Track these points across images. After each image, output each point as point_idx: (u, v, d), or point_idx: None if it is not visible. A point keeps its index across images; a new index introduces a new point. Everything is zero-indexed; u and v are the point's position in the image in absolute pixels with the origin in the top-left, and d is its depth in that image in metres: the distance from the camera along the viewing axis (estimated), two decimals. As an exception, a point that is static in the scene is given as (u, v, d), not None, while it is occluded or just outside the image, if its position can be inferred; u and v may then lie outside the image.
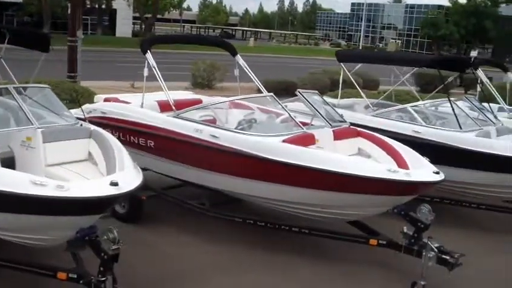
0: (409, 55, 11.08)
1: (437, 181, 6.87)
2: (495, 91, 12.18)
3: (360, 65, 11.20)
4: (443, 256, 6.74)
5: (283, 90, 18.35)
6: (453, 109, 9.29)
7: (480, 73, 12.25)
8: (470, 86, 26.35)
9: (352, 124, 9.08)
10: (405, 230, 7.11)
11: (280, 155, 7.04)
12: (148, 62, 8.73)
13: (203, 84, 23.46)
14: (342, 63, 10.87)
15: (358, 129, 8.57)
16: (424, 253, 6.79)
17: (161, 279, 6.92)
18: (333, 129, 8.18)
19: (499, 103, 12.48)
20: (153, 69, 8.68)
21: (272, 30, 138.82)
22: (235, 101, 8.99)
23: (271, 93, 8.72)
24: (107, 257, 5.47)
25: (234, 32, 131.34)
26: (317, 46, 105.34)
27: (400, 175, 6.72)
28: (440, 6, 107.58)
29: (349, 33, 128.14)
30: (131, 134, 8.51)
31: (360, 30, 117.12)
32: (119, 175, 5.69)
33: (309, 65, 37.64)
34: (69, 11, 19.07)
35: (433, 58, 9.92)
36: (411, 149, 7.83)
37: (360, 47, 74.77)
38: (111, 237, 5.44)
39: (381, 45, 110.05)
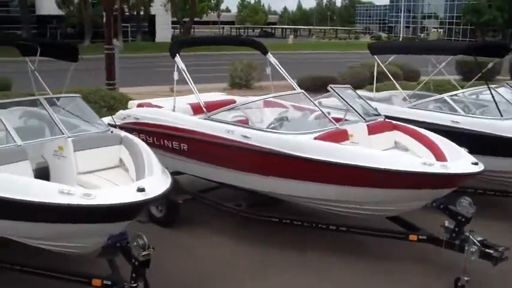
0: (444, 43, 10.75)
1: (476, 172, 6.63)
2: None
3: (393, 56, 10.95)
4: (487, 250, 6.50)
5: (322, 85, 18.14)
6: (493, 96, 8.98)
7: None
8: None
9: (388, 117, 8.89)
10: (446, 224, 6.88)
11: (312, 153, 6.91)
12: (177, 66, 8.69)
13: (241, 84, 23.44)
14: (375, 56, 10.65)
15: (394, 122, 8.36)
16: (466, 247, 6.56)
17: (194, 282, 6.89)
18: (367, 123, 8.00)
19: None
20: (183, 72, 8.62)
21: (311, 27, 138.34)
22: (269, 99, 8.89)
23: (302, 90, 8.57)
24: (138, 263, 5.46)
25: (273, 31, 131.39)
26: (357, 40, 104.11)
27: (436, 168, 6.50)
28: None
29: (390, 25, 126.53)
30: (165, 138, 8.49)
31: (400, 21, 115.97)
32: (146, 181, 5.66)
33: (349, 59, 37.15)
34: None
35: (469, 45, 9.62)
36: (449, 140, 7.60)
37: (401, 39, 73.55)
38: (141, 243, 5.41)
39: (422, 35, 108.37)
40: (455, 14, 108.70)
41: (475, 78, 10.88)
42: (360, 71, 21.86)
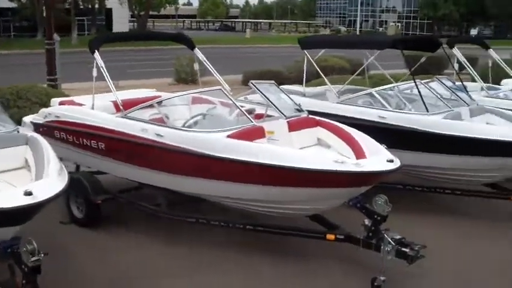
0: (371, 37, 10.58)
1: (390, 170, 6.48)
2: (473, 70, 11.75)
3: (322, 51, 10.76)
4: (403, 249, 6.38)
5: (269, 80, 18.03)
6: (419, 91, 8.91)
7: (456, 52, 11.79)
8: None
9: (317, 113, 8.76)
10: (366, 223, 6.77)
11: (223, 151, 6.72)
12: (96, 62, 8.40)
13: (187, 79, 22.92)
14: (305, 50, 10.45)
15: (318, 118, 8.19)
16: (382, 246, 6.46)
17: (109, 284, 6.70)
18: (288, 120, 7.81)
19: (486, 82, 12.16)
20: (101, 69, 8.37)
21: (272, 20, 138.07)
22: (195, 95, 8.69)
23: (220, 87, 8.32)
24: (27, 269, 5.19)
25: (233, 24, 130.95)
26: (317, 33, 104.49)
27: (348, 166, 6.34)
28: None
29: (349, 19, 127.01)
30: (83, 137, 8.23)
31: (358, 15, 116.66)
32: (38, 183, 5.38)
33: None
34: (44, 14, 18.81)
35: (395, 39, 9.51)
36: (369, 137, 7.46)
37: (358, 32, 74.04)
38: (30, 248, 5.13)
39: (380, 29, 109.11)
40: (412, 8, 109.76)
41: (412, 71, 10.78)
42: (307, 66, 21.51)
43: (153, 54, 37.15)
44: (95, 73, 8.42)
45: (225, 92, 8.11)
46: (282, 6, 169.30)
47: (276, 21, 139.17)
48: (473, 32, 72.10)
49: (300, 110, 8.30)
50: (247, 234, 7.67)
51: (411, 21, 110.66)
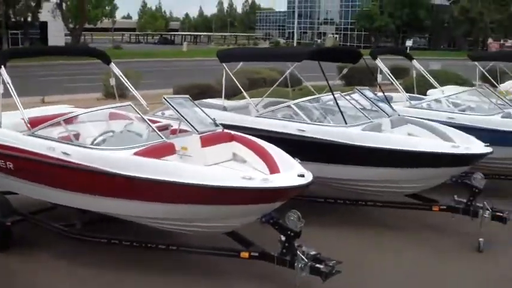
0: (290, 49, 10.53)
1: (299, 186, 6.33)
2: (395, 81, 11.81)
3: (241, 63, 10.60)
4: (317, 265, 6.28)
5: (198, 93, 17.78)
6: (337, 103, 8.88)
7: (379, 63, 11.84)
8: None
9: (237, 127, 8.61)
10: (283, 238, 6.61)
11: (129, 169, 6.47)
12: (2, 78, 8.02)
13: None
14: (224, 64, 10.25)
15: (233, 133, 8.00)
16: (296, 263, 6.32)
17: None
18: (201, 135, 7.59)
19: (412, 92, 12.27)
20: (8, 85, 7.98)
21: (211, 33, 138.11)
22: (113, 111, 8.43)
23: (130, 102, 8.08)
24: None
25: (172, 38, 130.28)
26: (256, 46, 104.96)
27: (255, 182, 6.16)
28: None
29: (289, 31, 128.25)
30: None
31: (299, 27, 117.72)
32: None
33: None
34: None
35: (313, 50, 9.39)
36: (283, 151, 7.32)
37: (295, 44, 74.64)
38: None
39: (319, 40, 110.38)
40: (349, 20, 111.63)
41: (334, 81, 10.76)
42: (238, 78, 21.27)
43: (87, 68, 36.50)
44: (1, 89, 8.00)
45: (135, 108, 7.87)
46: (221, 19, 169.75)
47: (216, 33, 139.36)
48: (409, 43, 73.61)
49: (215, 125, 8.10)
50: (161, 253, 7.43)
51: (349, 32, 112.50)
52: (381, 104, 9.96)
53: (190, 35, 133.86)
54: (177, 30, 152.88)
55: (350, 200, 9.11)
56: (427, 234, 8.90)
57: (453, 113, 10.88)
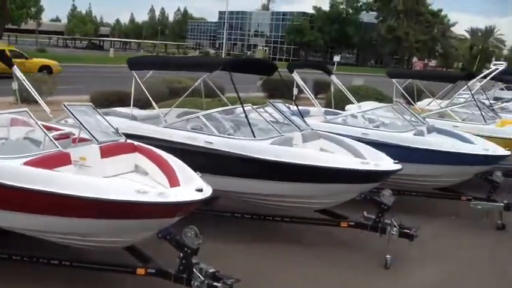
0: (201, 59, 10.34)
1: (195, 201, 6.06)
2: (311, 94, 11.75)
3: (151, 72, 10.23)
4: (214, 283, 6.05)
5: (115, 101, 17.29)
6: (246, 116, 8.67)
7: (296, 76, 11.75)
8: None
9: (144, 137, 8.29)
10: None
11: (17, 180, 6.03)
12: None
13: (29, 99, 21.30)
14: (133, 71, 9.88)
15: (136, 143, 7.67)
16: (192, 282, 6.07)
17: None
18: (100, 145, 7.22)
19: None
20: None
21: (141, 40, 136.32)
22: (14, 116, 7.95)
23: (26, 109, 7.62)
24: None
25: (101, 43, 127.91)
26: (185, 55, 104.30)
27: (149, 196, 5.86)
28: (305, 13, 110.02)
29: (219, 41, 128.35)
30: None
31: (229, 38, 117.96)
32: None
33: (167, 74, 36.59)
34: None
35: (226, 61, 9.17)
36: (184, 164, 7.04)
37: (224, 55, 74.57)
38: None
39: (248, 52, 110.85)
40: (280, 34, 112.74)
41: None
42: (158, 87, 21.04)
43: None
44: None
45: (31, 115, 7.43)
46: (153, 27, 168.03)
47: (146, 41, 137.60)
48: (336, 58, 74.51)
49: (117, 135, 7.74)
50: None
51: (278, 45, 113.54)
52: (293, 118, 9.84)
53: (119, 41, 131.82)
54: (107, 36, 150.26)
55: (258, 215, 8.92)
56: (336, 250, 8.82)
57: (367, 128, 10.90)
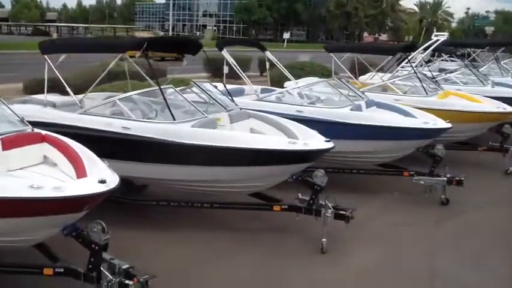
0: (116, 40, 9.77)
1: (95, 194, 5.47)
2: (242, 73, 11.13)
3: (64, 55, 9.40)
4: (126, 281, 5.56)
5: (53, 87, 16.52)
6: (164, 98, 8.07)
7: (225, 54, 11.15)
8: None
9: (59, 125, 7.65)
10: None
11: None
12: None
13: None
14: (46, 56, 9.06)
15: (44, 133, 6.98)
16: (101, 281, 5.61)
17: None
18: (2, 137, 6.59)
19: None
20: None
21: (88, 25, 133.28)
22: None
23: None
24: None
25: (48, 29, 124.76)
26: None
27: (44, 192, 5.25)
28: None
29: (168, 23, 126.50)
30: None
31: (178, 19, 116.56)
32: None
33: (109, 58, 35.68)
34: None
35: (140, 41, 8.46)
36: (93, 154, 6.39)
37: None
38: None
39: (198, 33, 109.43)
40: (228, 13, 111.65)
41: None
42: (96, 71, 20.12)
43: None
44: None
45: None
46: (100, 10, 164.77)
47: (94, 25, 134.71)
48: (286, 35, 74.46)
49: (23, 124, 7.06)
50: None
51: (228, 25, 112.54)
52: (221, 98, 9.27)
53: (66, 26, 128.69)
54: (54, 21, 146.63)
55: (185, 202, 8.35)
56: (272, 236, 8.37)
57: (302, 105, 10.40)
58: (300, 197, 8.07)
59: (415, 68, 14.34)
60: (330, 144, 7.93)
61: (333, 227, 7.82)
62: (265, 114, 9.20)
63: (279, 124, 8.79)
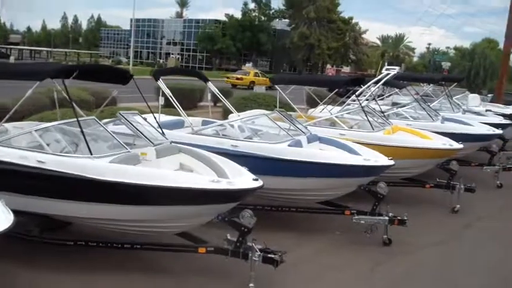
0: (32, 66, 9.33)
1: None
2: (177, 103, 10.66)
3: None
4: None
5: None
6: (81, 130, 7.52)
7: (161, 84, 10.68)
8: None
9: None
10: None
11: None
12: None
13: None
14: None
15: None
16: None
17: None
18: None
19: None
20: None
21: (52, 49, 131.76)
22: None
23: None
24: None
25: (9, 52, 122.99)
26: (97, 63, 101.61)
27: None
28: (217, 21, 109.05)
29: (134, 50, 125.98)
30: None
31: (142, 46, 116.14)
32: None
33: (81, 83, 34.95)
34: None
35: (59, 68, 7.92)
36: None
37: (131, 64, 72.11)
38: None
39: (161, 61, 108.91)
40: (192, 41, 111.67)
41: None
42: (41, 97, 19.46)
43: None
44: None
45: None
46: (65, 35, 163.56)
47: (58, 50, 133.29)
48: (248, 65, 74.70)
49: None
50: None
51: (191, 54, 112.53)
52: (150, 130, 8.79)
53: (29, 49, 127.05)
54: (18, 44, 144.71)
55: (104, 243, 7.78)
56: (199, 279, 7.82)
57: (237, 140, 9.95)
58: (229, 237, 7.56)
59: (363, 102, 14.10)
60: (257, 183, 7.46)
61: (264, 269, 7.34)
62: (196, 149, 8.72)
63: (209, 160, 8.33)
